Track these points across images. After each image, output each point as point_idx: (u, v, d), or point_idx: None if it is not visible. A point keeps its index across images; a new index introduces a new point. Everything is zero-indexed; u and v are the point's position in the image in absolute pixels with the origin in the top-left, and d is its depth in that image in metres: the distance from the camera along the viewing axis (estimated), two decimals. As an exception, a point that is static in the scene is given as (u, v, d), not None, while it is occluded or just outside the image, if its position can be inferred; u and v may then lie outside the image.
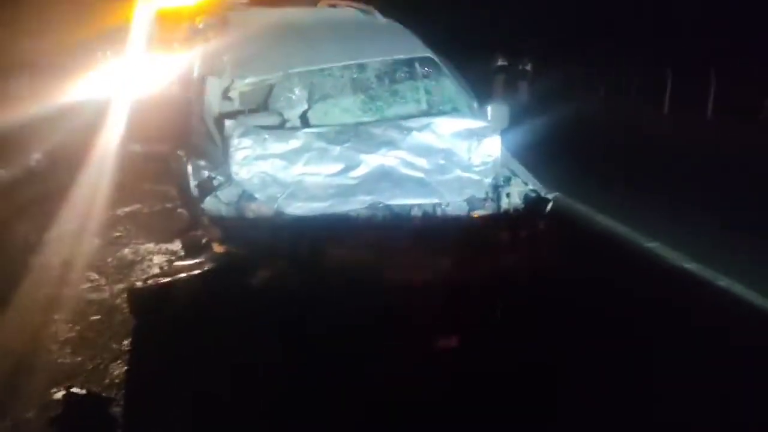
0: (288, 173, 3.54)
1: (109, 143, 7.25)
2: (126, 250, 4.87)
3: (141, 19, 8.07)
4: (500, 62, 14.94)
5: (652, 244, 4.96)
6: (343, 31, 4.54)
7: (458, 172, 3.65)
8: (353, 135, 3.69)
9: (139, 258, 4.74)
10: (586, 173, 7.17)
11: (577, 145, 9.03)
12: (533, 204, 3.60)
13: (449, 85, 4.23)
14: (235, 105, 4.04)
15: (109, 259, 4.70)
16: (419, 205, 3.48)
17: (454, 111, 4.08)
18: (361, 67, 4.18)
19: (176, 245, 4.80)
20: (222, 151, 3.64)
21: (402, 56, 4.27)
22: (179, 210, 5.05)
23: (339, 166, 3.58)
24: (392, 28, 4.67)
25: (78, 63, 9.19)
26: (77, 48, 9.36)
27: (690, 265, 4.56)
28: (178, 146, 4.28)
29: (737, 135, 10.50)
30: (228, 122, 3.64)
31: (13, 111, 8.04)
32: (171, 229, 5.16)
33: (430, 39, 4.54)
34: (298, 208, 3.43)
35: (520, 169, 3.80)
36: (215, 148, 3.76)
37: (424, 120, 3.80)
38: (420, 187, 3.53)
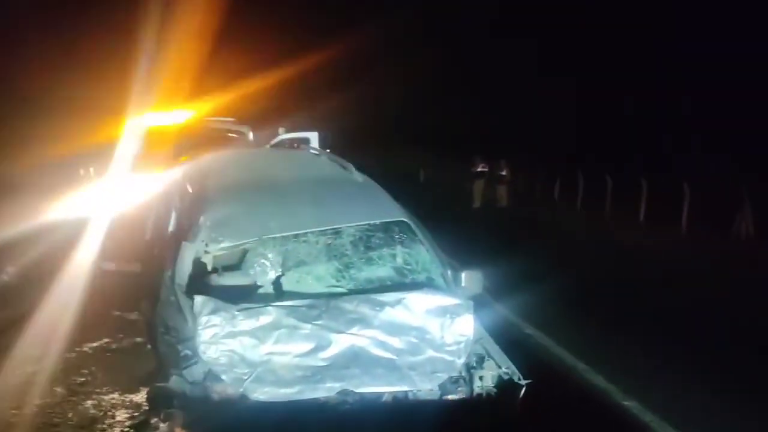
0: (256, 352, 3.46)
1: (83, 260, 7.15)
2: (88, 403, 4.68)
3: (128, 136, 8.15)
4: (480, 168, 15.27)
5: (629, 403, 4.89)
6: (317, 190, 4.55)
7: (431, 353, 3.59)
8: (324, 311, 3.63)
9: (102, 413, 4.55)
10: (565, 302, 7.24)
11: (556, 261, 9.13)
12: (506, 389, 3.54)
13: (423, 252, 4.24)
14: (208, 269, 4.02)
15: (70, 414, 4.51)
16: (390, 392, 3.41)
17: (428, 281, 4.08)
18: (335, 233, 4.19)
19: (141, 396, 4.66)
20: (191, 326, 3.57)
21: (376, 221, 4.30)
22: (147, 347, 4.93)
23: (309, 346, 3.51)
24: (367, 188, 4.70)
25: (59, 181, 9.19)
26: (59, 166, 9.38)
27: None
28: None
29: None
30: (198, 299, 3.57)
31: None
32: (137, 375, 5.02)
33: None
34: (264, 393, 3.34)
35: (493, 348, 3.75)
36: (184, 320, 3.69)
37: (397, 295, 3.76)
38: (390, 372, 3.45)
